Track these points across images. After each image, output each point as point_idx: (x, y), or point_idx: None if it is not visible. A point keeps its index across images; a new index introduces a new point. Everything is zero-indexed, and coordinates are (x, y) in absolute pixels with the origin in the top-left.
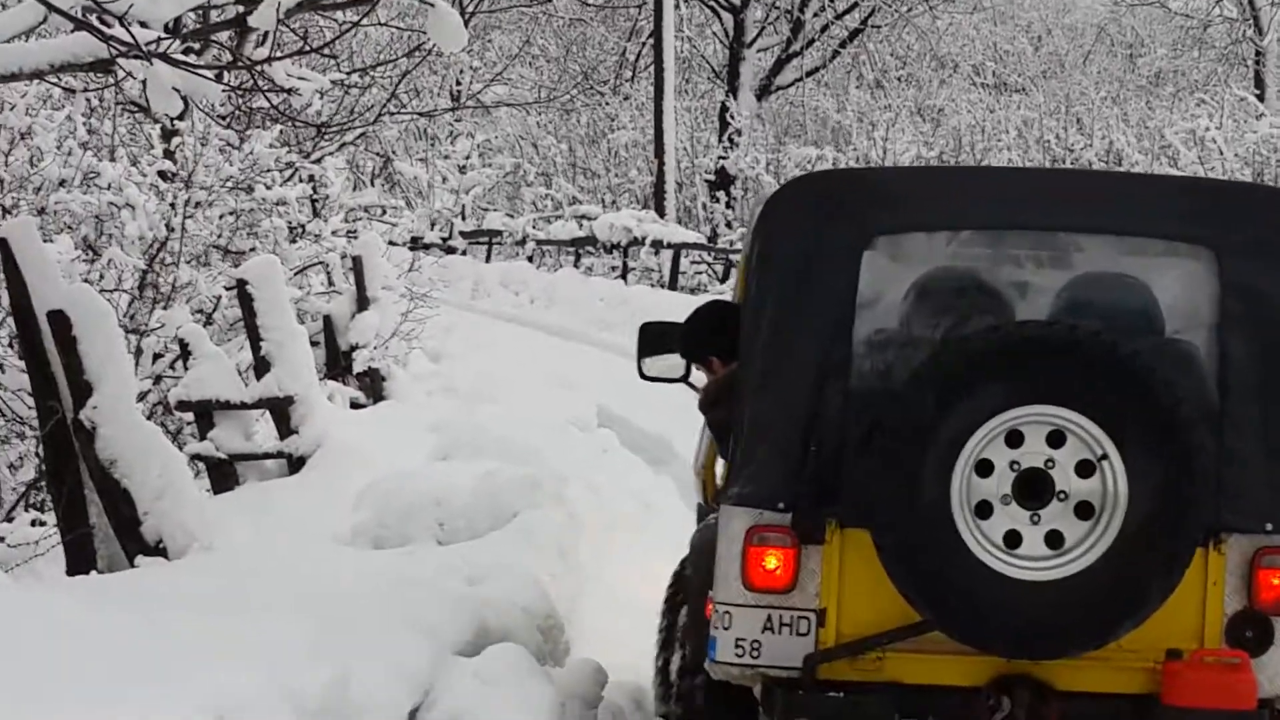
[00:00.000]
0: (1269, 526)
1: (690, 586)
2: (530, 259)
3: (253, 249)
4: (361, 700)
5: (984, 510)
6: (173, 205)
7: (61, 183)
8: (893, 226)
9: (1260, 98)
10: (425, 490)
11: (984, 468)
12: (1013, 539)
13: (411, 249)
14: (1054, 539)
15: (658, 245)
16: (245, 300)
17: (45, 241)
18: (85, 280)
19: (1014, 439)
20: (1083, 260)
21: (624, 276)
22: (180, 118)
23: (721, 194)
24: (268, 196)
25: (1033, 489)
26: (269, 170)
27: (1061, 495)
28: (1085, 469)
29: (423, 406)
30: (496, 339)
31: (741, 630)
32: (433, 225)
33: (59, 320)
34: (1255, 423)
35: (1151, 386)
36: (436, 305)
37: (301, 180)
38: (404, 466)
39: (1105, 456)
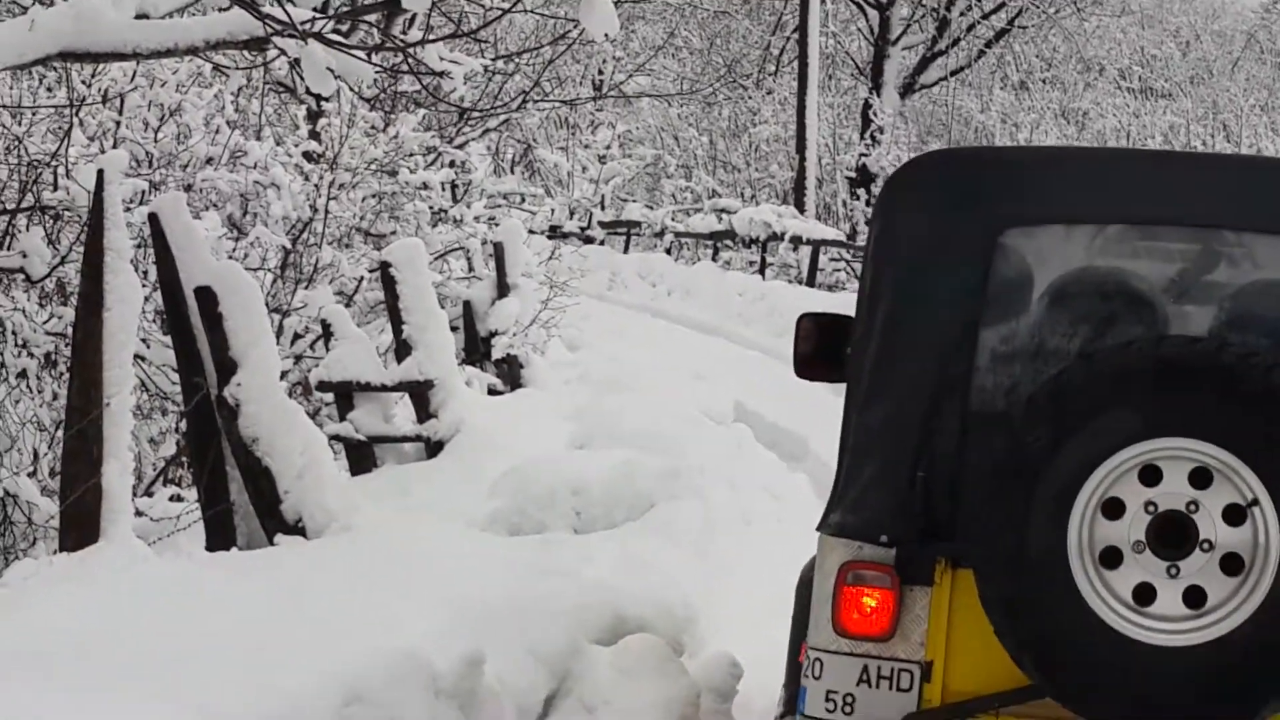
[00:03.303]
0: None
1: (794, 623)
2: (668, 251)
3: (394, 232)
4: (497, 683)
5: (1112, 559)
6: (317, 186)
7: (209, 160)
8: (1029, 217)
9: None
10: (562, 478)
11: (1113, 508)
12: (1145, 595)
13: (550, 237)
14: (1194, 596)
15: (796, 241)
16: (388, 283)
17: (193, 218)
18: (231, 258)
19: (1150, 476)
20: (1253, 264)
21: (762, 271)
22: (328, 99)
23: (862, 191)
24: (411, 180)
25: (1172, 536)
26: (413, 154)
27: (1205, 545)
28: (1234, 515)
29: (560, 394)
30: (633, 330)
31: (833, 681)
32: (571, 214)
33: (206, 296)
34: None
35: None
36: (575, 294)
37: (444, 165)
38: (541, 454)
39: (1256, 501)
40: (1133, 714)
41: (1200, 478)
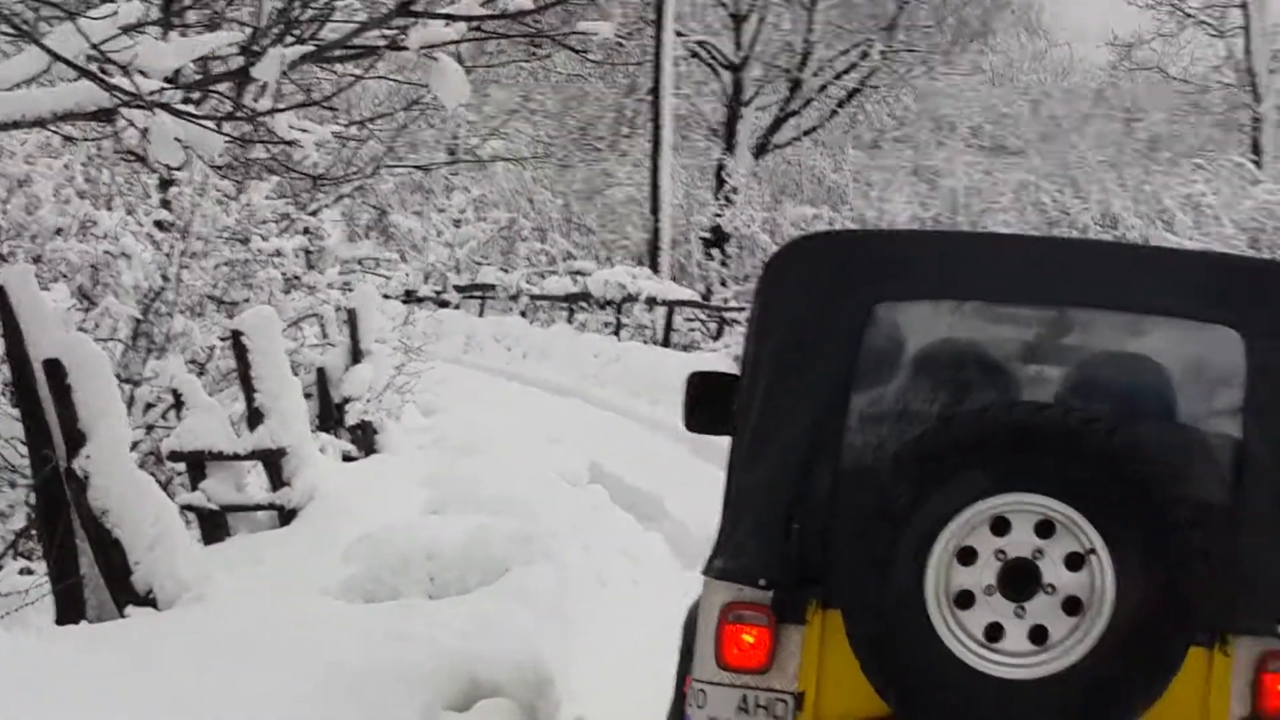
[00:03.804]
0: None
1: (680, 658)
2: (524, 314)
3: (247, 300)
4: None
5: (965, 601)
6: (169, 255)
7: (58, 231)
8: (897, 293)
9: (1257, 164)
10: (416, 544)
11: (967, 555)
12: (994, 633)
13: (405, 302)
14: (1039, 634)
15: (651, 302)
16: (240, 351)
17: (41, 289)
18: (81, 329)
19: (1000, 527)
20: (1095, 338)
21: (617, 333)
22: (179, 168)
23: (716, 251)
24: (263, 248)
25: (1019, 580)
26: (265, 221)
27: (1049, 589)
28: (1074, 562)
29: (415, 459)
30: (489, 393)
31: (715, 710)
32: (426, 279)
33: (54, 368)
34: (1272, 517)
35: (1145, 481)
36: (430, 359)
37: (297, 232)
38: (395, 519)
39: (1094, 550)
40: None
41: (1044, 529)
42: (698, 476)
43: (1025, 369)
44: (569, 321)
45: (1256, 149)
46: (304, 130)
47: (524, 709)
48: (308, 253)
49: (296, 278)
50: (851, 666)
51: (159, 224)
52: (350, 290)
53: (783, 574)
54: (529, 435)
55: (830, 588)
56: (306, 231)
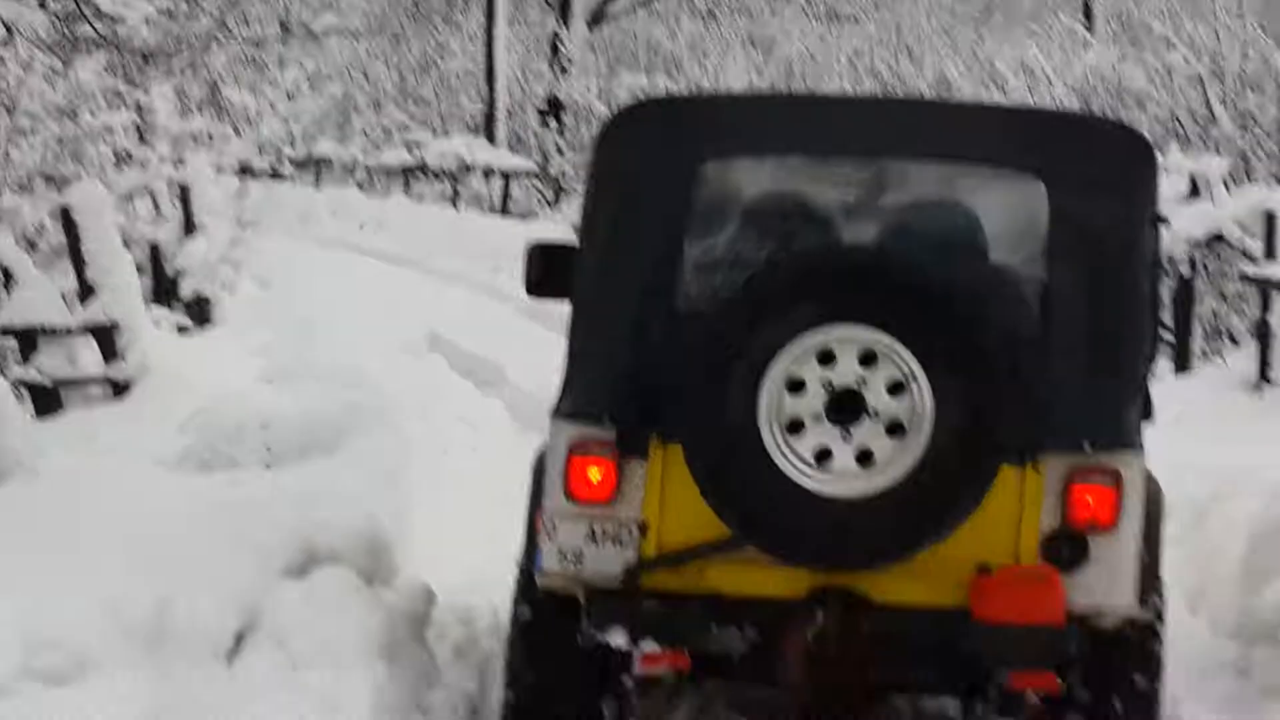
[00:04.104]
0: (1085, 446)
1: (530, 499)
2: (360, 186)
3: (78, 176)
4: (188, 622)
5: (795, 427)
6: None
7: None
8: (723, 152)
9: (1089, 29)
10: (252, 414)
11: (796, 386)
12: (824, 455)
13: (240, 176)
14: (864, 456)
15: (489, 172)
16: (69, 226)
17: None
18: None
19: (827, 358)
20: (910, 187)
21: (454, 203)
22: (5, 44)
23: (553, 121)
24: (92, 123)
25: (845, 407)
26: (95, 97)
27: (873, 413)
28: (896, 388)
29: (251, 332)
30: (326, 265)
31: (566, 540)
32: (261, 152)
33: None
34: (1077, 347)
35: (956, 311)
36: (267, 232)
37: (128, 107)
38: (230, 391)
39: (913, 377)
40: (817, 555)
41: (868, 359)
42: (537, 342)
43: (846, 218)
44: (406, 193)
45: (1088, 13)
46: (127, 4)
47: (361, 574)
48: (139, 128)
49: (128, 153)
50: (691, 496)
51: None
52: (183, 165)
53: (625, 412)
54: (366, 306)
55: (670, 422)
56: (138, 107)
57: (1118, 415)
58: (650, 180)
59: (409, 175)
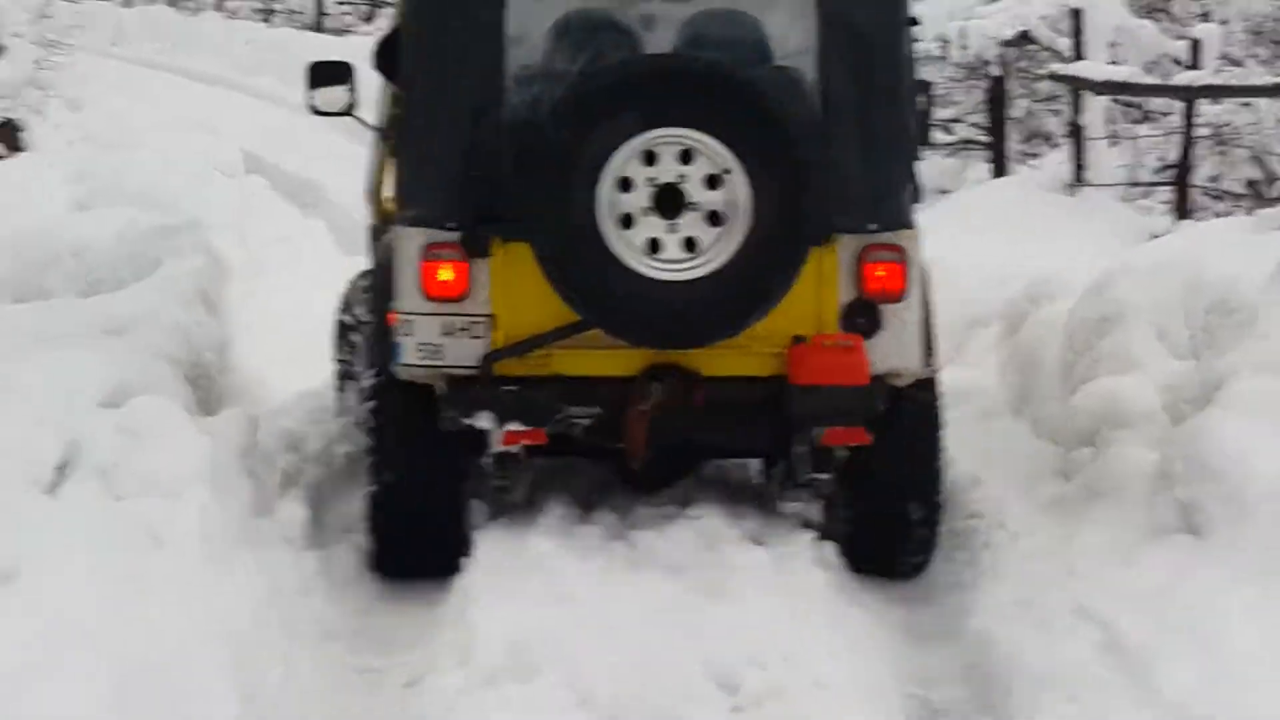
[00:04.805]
0: (872, 227)
1: (372, 301)
2: (172, 3)
3: None
4: (5, 459)
5: (628, 222)
6: None
7: None
8: None
9: None
10: (64, 242)
11: (625, 184)
12: (654, 245)
13: None
14: (689, 244)
15: None
16: None
17: None
18: None
19: (650, 159)
20: (701, 1)
21: (268, 19)
22: None
23: None
24: None
25: (669, 201)
26: None
27: (694, 205)
28: (714, 182)
29: (62, 156)
30: (139, 86)
31: (423, 336)
32: None
33: None
34: (855, 138)
35: (765, 107)
36: (73, 52)
37: None
38: (40, 218)
39: (729, 171)
40: (654, 334)
41: (686, 157)
42: (357, 163)
43: (645, 29)
44: (218, 9)
45: None
46: None
47: (182, 404)
48: None
49: None
50: (533, 290)
51: None
52: None
53: (467, 217)
54: (181, 127)
55: (514, 224)
56: None
57: (896, 198)
58: (466, 4)
59: None
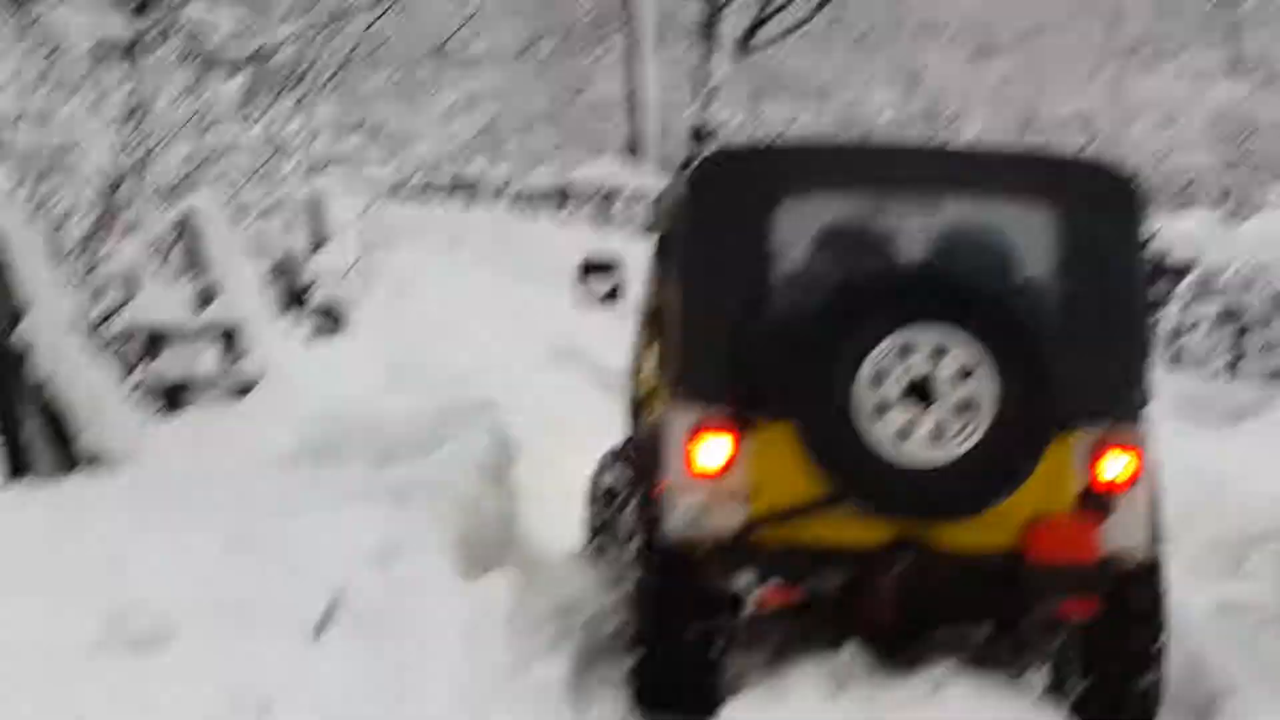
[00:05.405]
0: (1106, 422)
1: (635, 471)
2: (510, 208)
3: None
4: (276, 600)
5: (883, 409)
6: (130, 145)
7: (17, 119)
8: (797, 190)
9: (1231, 66)
10: (365, 417)
11: (882, 377)
12: (905, 431)
13: (392, 197)
14: (938, 431)
15: (634, 197)
16: (190, 232)
17: None
18: (39, 208)
19: (905, 353)
20: (952, 216)
21: (602, 226)
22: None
23: (701, 145)
24: (225, 139)
25: (921, 392)
26: (230, 114)
27: (944, 396)
28: (963, 375)
29: (376, 341)
30: (465, 283)
31: (689, 504)
32: (414, 173)
33: None
34: (1092, 341)
35: (1011, 313)
36: (410, 250)
37: (262, 123)
38: (346, 394)
39: (978, 366)
40: (901, 509)
41: (938, 352)
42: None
43: (903, 242)
44: (555, 215)
45: (1232, 48)
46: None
47: (450, 565)
48: (274, 144)
49: (261, 170)
50: (790, 465)
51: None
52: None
53: (734, 399)
54: (498, 319)
55: (778, 405)
56: (272, 124)
57: (1129, 397)
58: (737, 215)
59: (558, 198)
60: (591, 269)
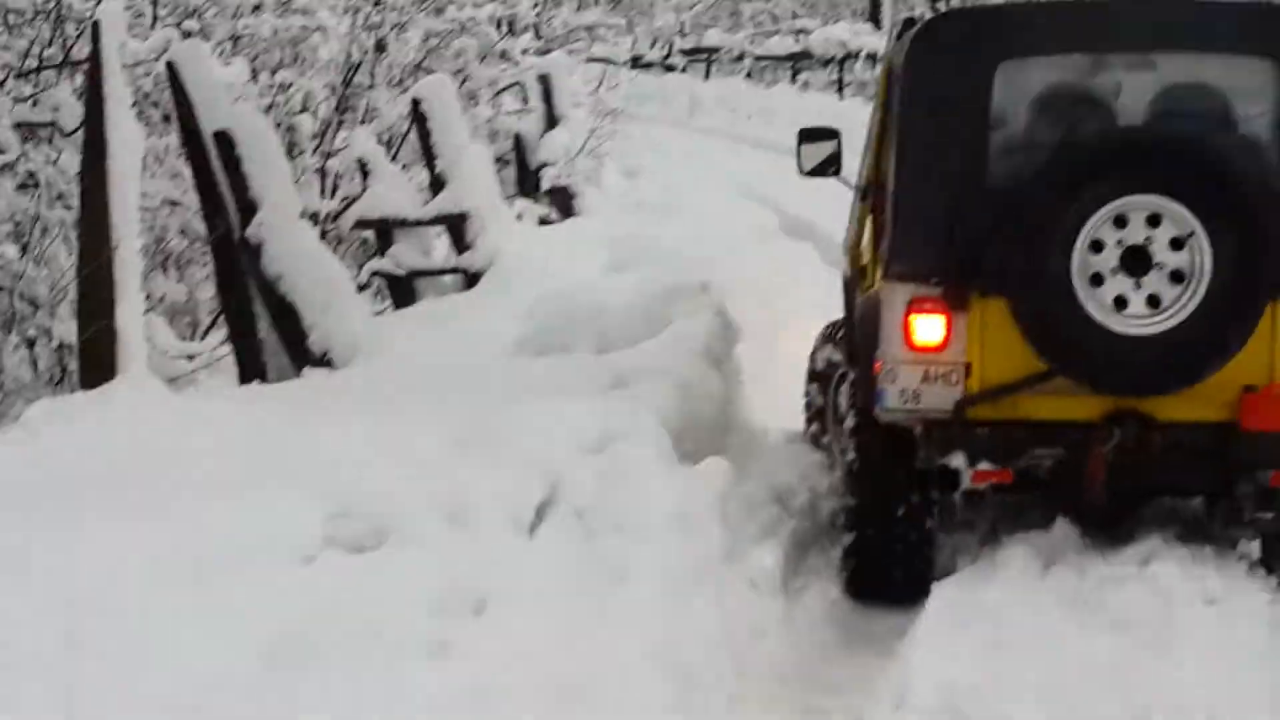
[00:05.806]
0: None
1: (852, 349)
2: (748, 75)
3: (458, 71)
4: (493, 495)
5: (1097, 280)
6: (367, 28)
7: (256, 8)
8: (1016, 53)
9: None
10: (588, 302)
11: (1097, 246)
12: (1121, 302)
13: (633, 68)
14: (1153, 301)
15: (873, 58)
16: (419, 119)
17: (222, 65)
18: (272, 104)
19: (1120, 222)
20: (1170, 73)
21: (840, 91)
22: None
23: (941, 5)
24: (458, 17)
25: (1136, 261)
26: None
27: (1159, 265)
28: (1177, 244)
29: (609, 221)
30: (702, 154)
31: (905, 383)
32: (654, 44)
33: (223, 141)
34: None
35: (1228, 175)
36: (648, 123)
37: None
38: (572, 279)
39: (1193, 234)
40: (1119, 384)
41: (1154, 220)
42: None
43: (1121, 103)
44: (792, 81)
45: None
46: None
47: (665, 451)
48: (510, 22)
49: (496, 49)
50: (1005, 340)
51: None
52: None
53: (950, 274)
54: (729, 193)
55: (993, 281)
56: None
57: None
58: (957, 79)
59: (795, 63)
60: (809, 137)
